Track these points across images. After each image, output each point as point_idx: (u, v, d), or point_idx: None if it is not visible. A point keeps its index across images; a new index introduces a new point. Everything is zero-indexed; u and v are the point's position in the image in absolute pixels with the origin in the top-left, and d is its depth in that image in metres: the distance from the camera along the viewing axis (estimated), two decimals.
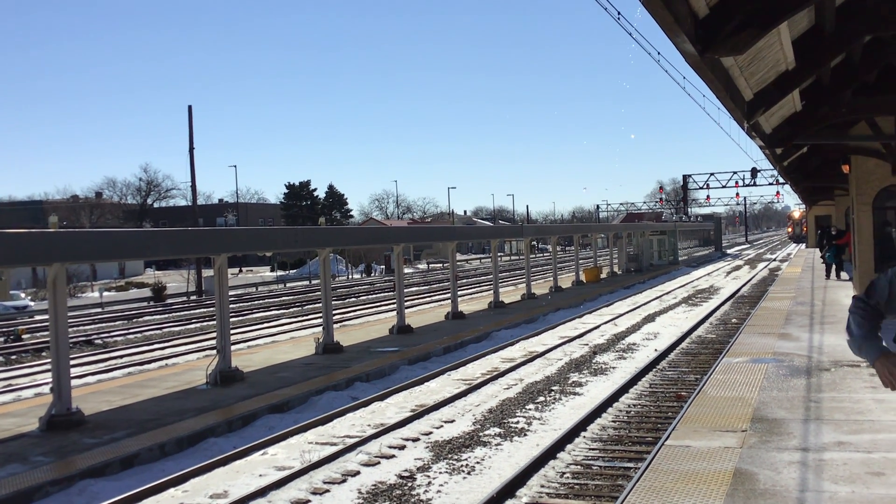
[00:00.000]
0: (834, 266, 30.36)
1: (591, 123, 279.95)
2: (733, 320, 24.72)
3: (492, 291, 31.85)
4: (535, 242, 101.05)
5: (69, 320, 18.37)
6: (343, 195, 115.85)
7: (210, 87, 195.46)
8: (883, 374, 3.69)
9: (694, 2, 6.86)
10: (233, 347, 18.21)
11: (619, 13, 11.79)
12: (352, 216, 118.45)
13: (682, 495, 6.76)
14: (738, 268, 57.88)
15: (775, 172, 71.89)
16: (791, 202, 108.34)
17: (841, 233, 30.07)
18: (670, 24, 6.16)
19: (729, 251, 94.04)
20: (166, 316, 36.75)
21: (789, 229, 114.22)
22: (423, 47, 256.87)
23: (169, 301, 45.65)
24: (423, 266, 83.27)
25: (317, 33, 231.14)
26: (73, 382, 15.10)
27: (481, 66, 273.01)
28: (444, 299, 35.97)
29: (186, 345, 25.36)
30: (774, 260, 65.59)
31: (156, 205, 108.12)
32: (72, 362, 16.13)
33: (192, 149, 49.16)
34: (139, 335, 29.29)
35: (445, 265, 73.56)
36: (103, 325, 33.51)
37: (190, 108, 49.04)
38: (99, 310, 40.71)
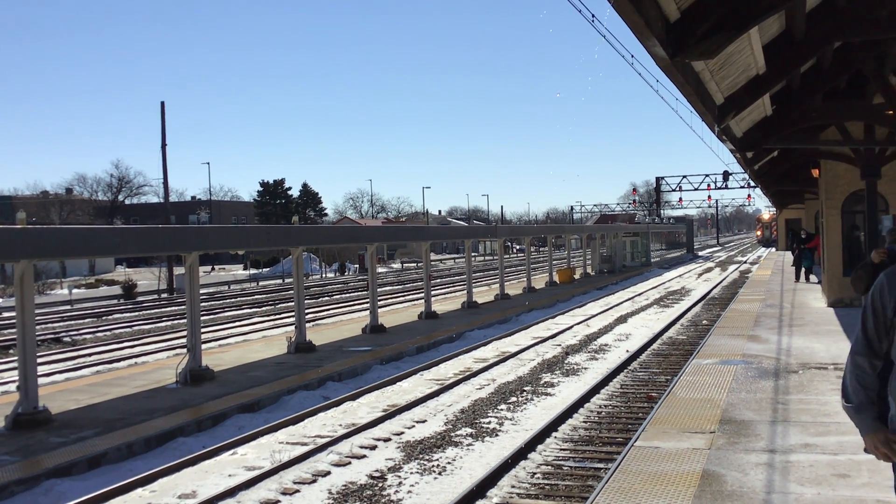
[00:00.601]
0: (803, 269, 30.72)
1: (567, 124, 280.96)
2: (704, 322, 24.91)
3: (465, 291, 31.87)
4: (509, 243, 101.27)
5: (37, 317, 18.17)
6: (317, 194, 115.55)
7: (184, 83, 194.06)
8: (872, 448, 3.65)
9: (665, 5, 6.90)
10: (204, 346, 18.08)
11: (593, 16, 11.84)
12: (326, 215, 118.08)
13: (650, 496, 6.80)
14: (709, 270, 58.36)
15: (747, 176, 72.69)
16: (762, 205, 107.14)
17: (811, 236, 30.43)
18: (641, 27, 6.19)
19: (700, 253, 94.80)
20: (137, 314, 36.41)
21: (758, 232, 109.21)
22: (398, 48, 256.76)
23: (140, 299, 45.22)
24: (396, 265, 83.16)
25: (292, 32, 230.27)
26: (41, 381, 14.95)
27: (457, 67, 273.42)
28: (417, 299, 35.93)
29: (156, 343, 25.13)
30: (745, 262, 66.21)
31: (127, 202, 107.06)
32: (39, 360, 15.95)
33: (164, 145, 48.78)
34: (109, 333, 29.00)
35: (419, 265, 73.51)
36: (72, 322, 33.14)
37: (162, 104, 48.50)
38: (68, 307, 40.27)
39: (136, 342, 25.55)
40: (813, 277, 30.29)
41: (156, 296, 47.83)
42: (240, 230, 27.25)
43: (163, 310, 37.98)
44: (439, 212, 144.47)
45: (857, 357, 3.75)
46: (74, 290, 49.34)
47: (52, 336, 27.51)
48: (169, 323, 31.84)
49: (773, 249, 72.49)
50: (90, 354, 23.19)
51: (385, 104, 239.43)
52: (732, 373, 12.43)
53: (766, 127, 15.62)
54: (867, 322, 3.74)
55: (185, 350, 17.07)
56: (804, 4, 9.46)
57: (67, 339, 27.29)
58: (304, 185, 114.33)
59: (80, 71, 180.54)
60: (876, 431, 3.60)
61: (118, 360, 21.61)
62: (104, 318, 35.16)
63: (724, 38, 7.08)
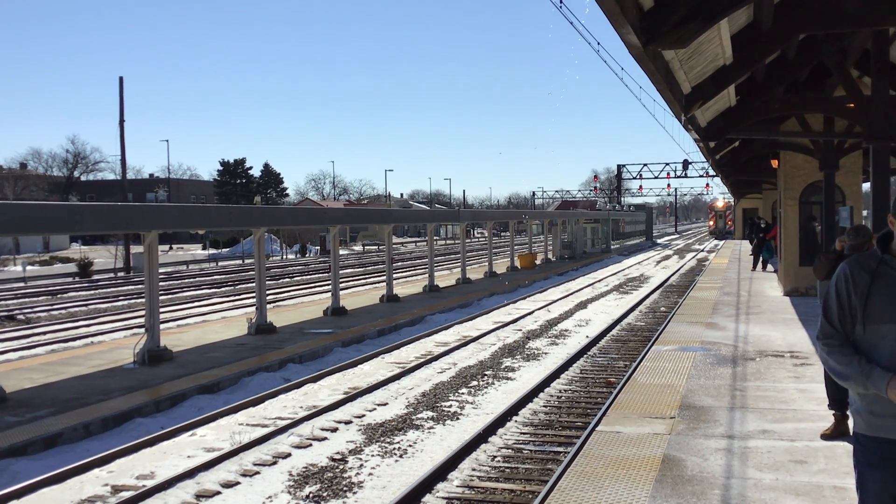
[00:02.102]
0: (761, 259, 31.21)
1: (531, 110, 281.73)
2: (662, 309, 25.19)
3: (427, 275, 31.86)
4: (470, 227, 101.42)
5: None
6: (279, 174, 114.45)
7: (143, 56, 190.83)
8: None
9: None
10: (162, 326, 17.87)
11: (560, 1, 11.81)
12: (287, 196, 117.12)
13: (612, 480, 6.87)
14: (667, 257, 59.02)
15: (706, 165, 73.52)
16: (719, 194, 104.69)
17: (769, 226, 30.88)
18: (616, 14, 6.19)
19: (659, 241, 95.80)
20: (93, 292, 35.84)
21: (710, 222, 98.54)
22: (361, 29, 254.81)
23: (95, 277, 44.51)
24: (358, 248, 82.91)
25: (253, 10, 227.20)
26: None
27: (420, 50, 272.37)
28: (379, 282, 35.85)
29: (113, 322, 24.77)
30: (702, 251, 67.05)
31: (83, 178, 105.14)
32: None
33: (122, 121, 48.02)
34: (64, 311, 28.51)
35: (381, 248, 73.33)
36: (26, 300, 32.53)
37: (121, 79, 47.72)
38: (22, 284, 39.51)
39: (92, 321, 25.16)
40: (770, 266, 30.79)
41: (112, 274, 47.12)
42: (201, 209, 26.89)
43: (119, 289, 37.45)
44: (401, 195, 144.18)
45: (827, 339, 3.75)
46: (28, 267, 48.39)
47: (5, 313, 26.97)
48: (126, 302, 31.39)
49: (730, 239, 73.21)
50: (45, 333, 22.80)
51: (348, 85, 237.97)
52: (691, 359, 12.59)
53: (729, 117, 15.78)
54: (831, 312, 3.75)
55: (142, 330, 16.84)
56: None
57: (21, 316, 26.78)
58: (266, 166, 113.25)
59: (35, 42, 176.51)
60: (892, 376, 3.51)
61: (74, 339, 21.27)
62: (59, 295, 34.56)
63: (696, 28, 7.12)
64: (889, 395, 3.47)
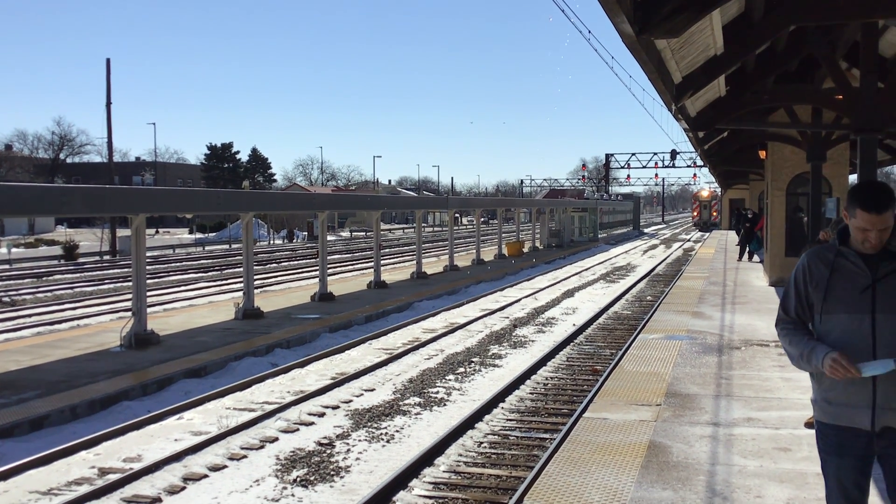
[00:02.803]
0: (748, 250, 31.34)
1: (519, 97, 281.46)
2: (648, 297, 25.30)
3: (415, 262, 31.87)
4: (458, 214, 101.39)
5: None
6: (267, 159, 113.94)
7: (130, 38, 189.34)
8: (833, 365, 3.56)
9: None
10: (149, 310, 17.81)
11: None
12: (275, 181, 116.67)
13: (598, 466, 6.92)
14: (654, 247, 59.20)
15: (694, 155, 73.69)
16: (706, 184, 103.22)
17: (756, 217, 31.00)
18: (611, 3, 6.21)
19: (646, 230, 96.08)
20: (78, 275, 35.67)
21: (695, 213, 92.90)
22: (350, 16, 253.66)
23: (81, 260, 44.30)
24: (346, 234, 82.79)
25: None
26: None
27: (408, 37, 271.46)
28: (366, 268, 35.82)
29: (100, 306, 24.67)
30: (689, 240, 67.27)
31: (69, 160, 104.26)
32: None
33: (109, 104, 47.64)
34: (50, 294, 28.39)
35: (369, 234, 73.20)
36: (11, 282, 32.35)
37: (108, 61, 47.22)
38: (7, 266, 39.28)
39: (78, 304, 25.06)
40: (756, 257, 30.94)
41: (98, 258, 46.91)
42: (190, 193, 26.73)
43: (106, 272, 37.29)
44: (389, 181, 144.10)
45: (783, 325, 3.97)
46: (13, 250, 48.09)
47: None
48: (112, 285, 31.27)
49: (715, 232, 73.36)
50: (31, 315, 22.68)
51: (336, 71, 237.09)
52: (678, 348, 12.66)
53: (719, 107, 15.82)
54: (789, 301, 3.95)
55: (129, 313, 16.79)
56: None
57: (6, 299, 26.64)
58: (254, 150, 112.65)
59: (21, 23, 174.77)
60: (829, 351, 3.62)
61: (60, 322, 21.18)
62: (45, 278, 34.40)
63: (689, 18, 7.14)
64: (824, 366, 3.64)
